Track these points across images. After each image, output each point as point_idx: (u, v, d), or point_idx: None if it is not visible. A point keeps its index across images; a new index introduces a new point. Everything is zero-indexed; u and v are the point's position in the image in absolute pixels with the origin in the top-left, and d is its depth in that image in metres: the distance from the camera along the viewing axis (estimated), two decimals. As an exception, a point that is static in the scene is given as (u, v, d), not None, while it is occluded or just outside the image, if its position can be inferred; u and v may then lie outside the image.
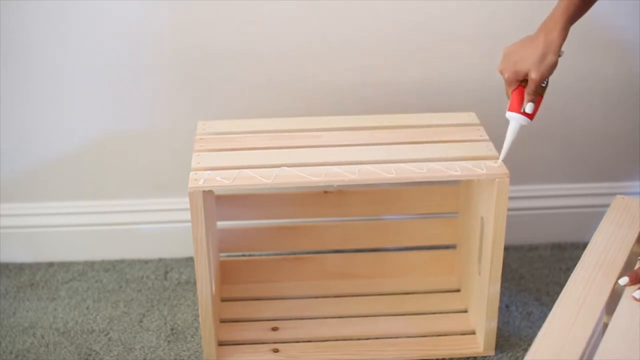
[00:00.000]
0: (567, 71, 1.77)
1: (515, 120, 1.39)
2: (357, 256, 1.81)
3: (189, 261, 1.87)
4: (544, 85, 1.38)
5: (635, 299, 1.15)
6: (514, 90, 1.38)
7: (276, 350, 1.58)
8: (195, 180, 1.41)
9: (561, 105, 1.80)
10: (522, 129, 1.40)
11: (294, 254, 1.81)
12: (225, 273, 1.78)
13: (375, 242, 1.80)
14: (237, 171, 1.44)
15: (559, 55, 1.36)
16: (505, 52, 1.39)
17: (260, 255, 1.85)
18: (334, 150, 1.50)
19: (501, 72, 1.39)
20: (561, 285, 1.20)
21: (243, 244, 1.79)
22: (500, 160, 1.45)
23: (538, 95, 1.38)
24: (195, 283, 1.76)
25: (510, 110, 1.39)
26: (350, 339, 1.61)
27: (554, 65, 1.34)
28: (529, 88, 1.36)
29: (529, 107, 1.37)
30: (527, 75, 1.35)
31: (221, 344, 1.60)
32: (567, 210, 1.90)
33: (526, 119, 1.38)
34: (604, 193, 1.88)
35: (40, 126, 1.78)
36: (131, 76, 1.73)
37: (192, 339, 1.64)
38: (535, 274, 1.82)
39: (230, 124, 1.63)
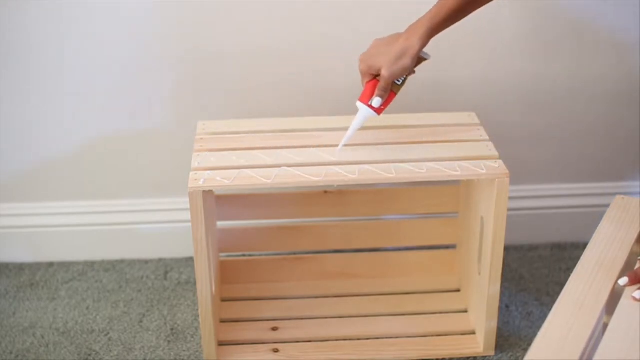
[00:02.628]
0: (567, 71, 1.77)
1: (362, 111, 1.44)
2: (357, 256, 1.81)
3: (189, 261, 1.87)
4: (398, 83, 1.42)
5: (635, 299, 1.15)
6: (368, 81, 1.43)
7: (276, 350, 1.58)
8: (195, 180, 1.41)
9: (561, 105, 1.80)
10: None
11: (294, 254, 1.82)
12: (225, 273, 1.78)
13: (375, 242, 1.80)
14: (237, 171, 1.44)
15: (425, 59, 1.41)
16: (372, 43, 1.44)
17: (260, 255, 1.85)
18: (334, 150, 1.50)
19: (359, 61, 1.43)
20: (561, 285, 1.20)
21: (243, 244, 1.79)
22: (340, 147, 1.48)
23: (390, 92, 1.42)
24: (195, 283, 1.76)
25: (360, 100, 1.44)
26: (350, 339, 1.61)
27: (407, 69, 1.38)
28: (380, 84, 1.40)
29: (375, 102, 1.42)
30: (379, 71, 1.39)
31: (221, 344, 1.60)
32: (567, 210, 1.90)
33: (374, 112, 1.43)
34: (604, 193, 1.88)
35: (40, 126, 1.78)
36: (131, 76, 1.73)
37: (192, 339, 1.64)
38: (535, 274, 1.82)
39: (230, 124, 1.63)
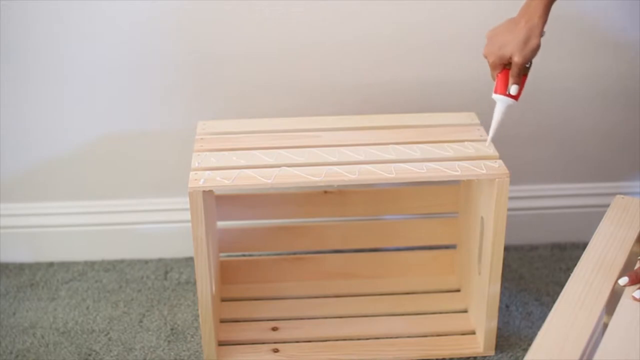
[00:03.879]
0: (567, 71, 1.77)
1: (501, 101, 1.45)
2: (357, 256, 1.81)
3: (189, 261, 1.87)
4: (527, 66, 1.42)
5: (635, 299, 1.15)
6: (498, 73, 1.44)
7: (276, 350, 1.58)
8: (195, 180, 1.41)
9: (561, 105, 1.80)
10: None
11: (294, 254, 1.81)
12: (225, 273, 1.78)
13: (375, 242, 1.80)
14: (237, 171, 1.44)
15: (541, 36, 1.40)
16: (488, 36, 1.44)
17: (260, 255, 1.85)
18: (334, 150, 1.50)
19: (485, 57, 1.44)
20: (561, 285, 1.20)
21: (243, 244, 1.79)
22: (489, 141, 1.51)
23: (522, 76, 1.43)
24: (195, 283, 1.76)
25: (496, 92, 1.45)
26: (350, 339, 1.61)
27: (536, 49, 1.39)
28: (512, 71, 1.41)
29: (513, 89, 1.43)
30: (510, 59, 1.40)
31: (221, 344, 1.60)
32: (567, 210, 1.90)
33: (512, 100, 1.44)
34: (604, 193, 1.88)
35: (40, 126, 1.78)
36: (131, 76, 1.73)
37: (192, 339, 1.64)
38: (535, 274, 1.82)
39: (230, 124, 1.63)
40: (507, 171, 1.43)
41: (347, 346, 1.59)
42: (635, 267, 1.22)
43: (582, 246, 1.29)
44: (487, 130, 1.58)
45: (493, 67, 1.43)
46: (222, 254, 1.81)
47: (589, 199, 1.90)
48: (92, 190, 1.86)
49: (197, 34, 1.70)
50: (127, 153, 1.81)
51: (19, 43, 1.69)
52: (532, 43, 1.38)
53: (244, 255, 1.86)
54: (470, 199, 1.62)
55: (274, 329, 1.63)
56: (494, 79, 1.45)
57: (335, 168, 1.44)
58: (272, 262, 1.79)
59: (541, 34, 1.39)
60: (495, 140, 1.53)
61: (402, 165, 1.45)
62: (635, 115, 1.81)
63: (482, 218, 1.52)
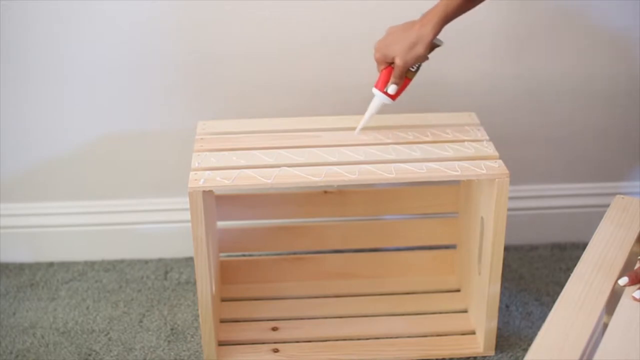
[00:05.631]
0: (567, 71, 1.77)
1: (378, 97, 1.49)
2: (357, 256, 1.81)
3: (189, 261, 1.87)
4: (412, 70, 1.45)
5: (635, 299, 1.15)
6: (384, 68, 1.46)
7: (276, 350, 1.58)
8: (195, 180, 1.41)
9: (561, 105, 1.80)
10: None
11: (294, 254, 1.82)
12: (225, 273, 1.78)
13: (375, 242, 1.80)
14: (237, 171, 1.44)
15: (438, 45, 1.43)
16: (387, 31, 1.46)
17: (260, 255, 1.85)
18: (334, 150, 1.50)
19: (374, 50, 1.46)
20: (561, 285, 1.20)
21: (243, 244, 1.79)
22: (357, 130, 1.54)
23: (405, 78, 1.46)
24: (195, 283, 1.76)
25: (375, 87, 1.48)
26: (350, 339, 1.61)
27: (420, 57, 1.41)
28: (394, 72, 1.44)
29: (391, 89, 1.46)
30: (394, 59, 1.42)
31: (221, 344, 1.60)
32: (567, 210, 1.90)
33: (389, 99, 1.48)
34: (604, 193, 1.88)
35: (40, 126, 1.78)
36: (131, 76, 1.73)
37: (192, 339, 1.64)
38: (535, 274, 1.82)
39: (230, 124, 1.63)
40: (507, 171, 1.43)
41: (347, 346, 1.59)
42: (635, 267, 1.22)
43: (582, 246, 1.29)
44: (487, 131, 1.58)
45: (377, 62, 1.46)
46: (222, 254, 1.81)
47: (589, 199, 1.90)
48: (92, 190, 1.86)
49: (197, 34, 1.70)
50: (127, 153, 1.81)
51: (19, 43, 1.69)
52: (418, 50, 1.40)
53: (244, 255, 1.86)
54: (470, 199, 1.62)
55: (274, 329, 1.63)
56: (379, 72, 1.47)
57: (335, 168, 1.44)
58: (272, 262, 1.79)
59: (432, 44, 1.40)
60: (495, 140, 1.53)
61: (402, 165, 1.45)
62: (635, 115, 1.81)
63: (482, 218, 1.52)
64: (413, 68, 1.45)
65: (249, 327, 1.64)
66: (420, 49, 1.40)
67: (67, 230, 1.87)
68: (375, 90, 1.49)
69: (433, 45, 1.43)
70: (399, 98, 1.49)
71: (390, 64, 1.45)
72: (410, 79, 1.47)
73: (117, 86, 1.74)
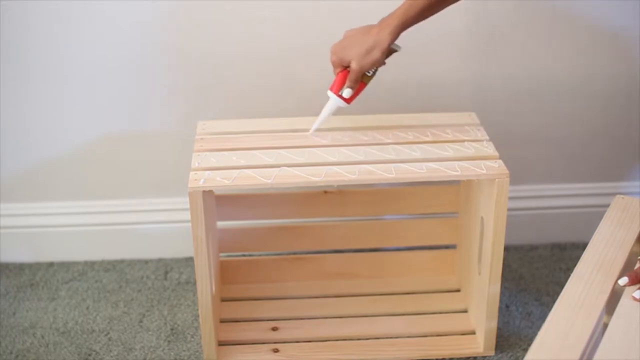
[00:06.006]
0: (567, 71, 1.77)
1: (332, 100, 1.48)
2: (357, 256, 1.81)
3: (189, 261, 1.87)
4: (368, 74, 1.45)
5: (635, 299, 1.15)
6: (340, 71, 1.46)
7: (276, 350, 1.58)
8: (195, 180, 1.41)
9: (561, 105, 1.80)
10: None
11: (294, 254, 1.81)
12: (225, 273, 1.78)
13: (375, 242, 1.80)
14: (237, 171, 1.44)
15: (396, 51, 1.43)
16: (345, 34, 1.46)
17: (260, 255, 1.85)
18: (333, 150, 1.50)
19: (330, 52, 1.45)
20: (561, 285, 1.20)
21: (243, 244, 1.79)
22: (311, 131, 1.54)
23: (361, 82, 1.45)
24: (195, 283, 1.76)
25: (330, 89, 1.48)
26: (350, 339, 1.61)
27: (376, 62, 1.40)
28: (350, 75, 1.43)
29: (346, 93, 1.46)
30: (350, 63, 1.42)
31: (221, 344, 1.60)
32: (567, 210, 1.90)
33: (343, 102, 1.48)
34: (604, 193, 1.88)
35: (40, 126, 1.78)
36: (131, 76, 1.73)
37: (192, 339, 1.64)
38: (535, 274, 1.82)
39: (230, 124, 1.63)
40: (507, 171, 1.43)
41: (347, 346, 1.59)
42: (635, 267, 1.22)
43: (582, 246, 1.29)
44: (487, 131, 1.58)
45: (333, 65, 1.45)
46: (222, 254, 1.81)
47: (589, 199, 1.90)
48: (92, 190, 1.86)
49: (197, 34, 1.70)
50: (127, 153, 1.81)
51: (19, 43, 1.69)
52: (374, 55, 1.39)
53: (244, 255, 1.86)
54: (470, 199, 1.62)
55: (274, 329, 1.63)
56: (335, 75, 1.47)
57: (335, 168, 1.44)
58: (272, 262, 1.79)
59: (389, 49, 1.40)
60: (495, 140, 1.53)
61: (402, 165, 1.45)
62: (635, 115, 1.81)
63: (482, 218, 1.52)
64: (369, 72, 1.44)
65: (249, 327, 1.64)
66: (376, 54, 1.39)
67: (67, 230, 1.87)
68: (330, 93, 1.48)
69: (390, 50, 1.43)
70: (354, 101, 1.49)
71: (346, 68, 1.44)
72: (366, 83, 1.47)
73: (117, 86, 1.74)
